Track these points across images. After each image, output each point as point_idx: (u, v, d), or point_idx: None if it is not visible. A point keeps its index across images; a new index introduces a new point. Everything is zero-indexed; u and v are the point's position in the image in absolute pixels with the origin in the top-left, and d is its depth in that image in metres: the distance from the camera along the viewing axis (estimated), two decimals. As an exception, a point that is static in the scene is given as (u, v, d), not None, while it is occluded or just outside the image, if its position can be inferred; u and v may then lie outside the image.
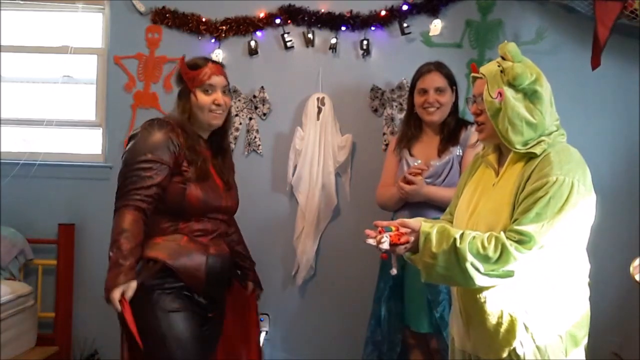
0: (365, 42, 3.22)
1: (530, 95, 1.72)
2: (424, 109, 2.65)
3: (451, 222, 1.97)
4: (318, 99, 3.23)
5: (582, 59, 2.99)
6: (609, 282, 2.94)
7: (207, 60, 2.20)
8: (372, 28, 3.23)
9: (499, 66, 1.74)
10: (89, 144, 3.49)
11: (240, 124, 3.32)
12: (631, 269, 2.44)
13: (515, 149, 1.72)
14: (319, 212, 3.23)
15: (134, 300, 1.92)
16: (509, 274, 1.63)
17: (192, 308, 2.07)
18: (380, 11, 3.21)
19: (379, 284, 2.76)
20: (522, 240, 1.60)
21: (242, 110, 3.31)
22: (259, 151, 3.32)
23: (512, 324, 1.69)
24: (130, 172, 2.01)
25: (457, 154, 2.61)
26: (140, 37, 3.33)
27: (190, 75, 2.14)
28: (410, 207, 2.63)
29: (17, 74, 3.57)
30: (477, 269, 1.62)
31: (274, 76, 3.31)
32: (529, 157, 1.72)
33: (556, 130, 1.75)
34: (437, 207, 2.50)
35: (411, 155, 2.71)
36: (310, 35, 3.26)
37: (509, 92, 1.70)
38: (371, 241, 1.68)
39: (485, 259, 1.61)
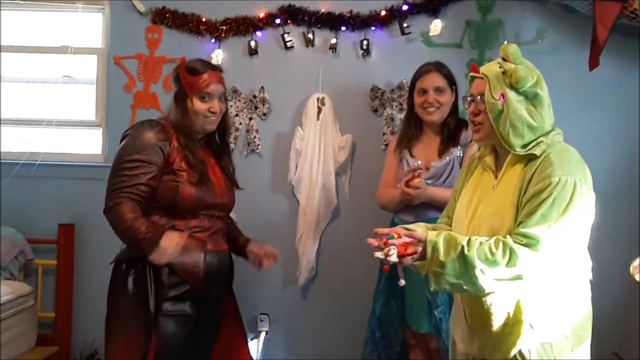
0: (365, 42, 3.22)
1: (532, 99, 1.72)
2: (424, 109, 2.65)
3: (449, 225, 1.96)
4: (318, 99, 3.23)
5: (582, 59, 2.99)
6: (609, 282, 2.93)
7: (207, 66, 2.20)
8: (372, 28, 3.23)
9: (500, 67, 1.73)
10: (89, 144, 3.49)
11: (240, 124, 3.32)
12: (631, 269, 2.44)
13: (515, 151, 1.71)
14: (319, 213, 3.22)
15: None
16: (517, 277, 1.63)
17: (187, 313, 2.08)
18: (380, 11, 3.21)
19: (379, 284, 2.76)
20: (529, 243, 1.60)
21: (242, 110, 3.31)
22: (258, 151, 3.32)
23: (518, 325, 1.69)
24: (119, 172, 2.04)
25: (458, 154, 2.61)
26: (140, 37, 3.33)
27: (189, 80, 2.15)
28: (411, 208, 2.63)
29: (17, 74, 3.57)
30: (486, 275, 1.61)
31: (274, 76, 3.30)
32: (529, 158, 1.72)
33: (552, 130, 1.75)
34: (437, 208, 2.49)
35: (412, 155, 2.71)
36: (310, 35, 3.26)
37: (511, 95, 1.70)
38: (379, 254, 1.64)
39: (494, 264, 1.60)
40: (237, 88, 3.30)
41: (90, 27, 3.48)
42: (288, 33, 3.26)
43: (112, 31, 3.38)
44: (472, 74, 1.82)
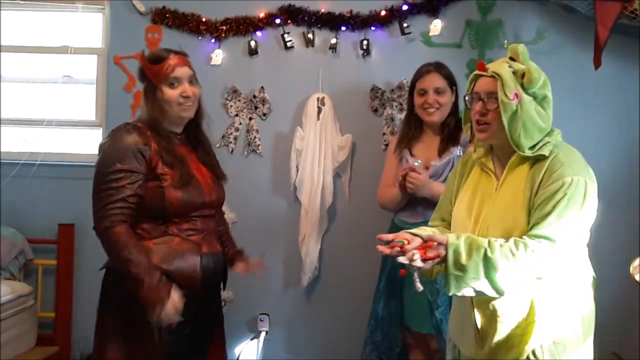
0: (365, 42, 3.22)
1: (541, 100, 1.72)
2: (424, 109, 2.65)
3: (447, 227, 1.93)
4: (318, 99, 3.23)
5: (582, 59, 3.00)
6: (609, 282, 2.93)
7: (169, 51, 2.09)
8: (372, 28, 3.23)
9: (510, 67, 1.71)
10: (89, 144, 3.48)
11: (240, 124, 3.32)
12: (631, 269, 2.45)
13: (524, 152, 1.70)
14: (321, 213, 3.22)
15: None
16: (538, 277, 1.64)
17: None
18: (380, 11, 3.21)
19: (379, 284, 2.76)
20: (548, 243, 1.61)
21: (242, 110, 3.31)
22: (258, 151, 3.32)
23: (531, 326, 1.69)
24: (103, 186, 1.94)
25: (458, 154, 2.61)
26: (140, 37, 3.32)
27: (153, 70, 2.04)
28: (411, 208, 2.64)
29: (17, 74, 3.57)
30: (507, 277, 1.61)
31: (274, 76, 3.30)
32: (535, 159, 1.71)
33: (553, 130, 1.76)
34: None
35: (412, 155, 2.71)
36: (310, 35, 3.26)
37: (524, 95, 1.69)
38: (403, 259, 1.59)
39: (515, 265, 1.60)
40: (237, 88, 3.30)
41: (90, 27, 3.48)
42: (288, 33, 3.26)
43: (112, 31, 3.38)
44: (478, 72, 1.77)
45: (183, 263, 2.00)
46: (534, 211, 1.66)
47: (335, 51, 3.27)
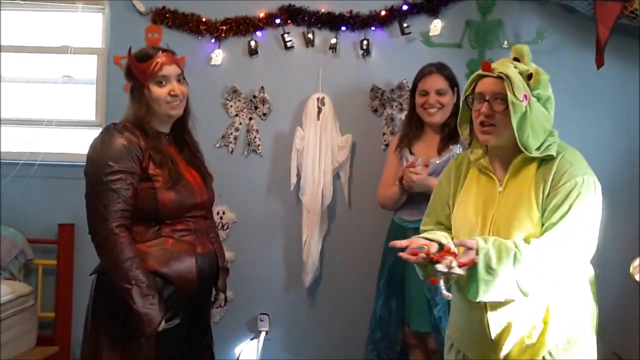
0: (365, 42, 3.22)
1: (545, 101, 1.72)
2: (425, 109, 2.66)
3: (448, 230, 1.89)
4: (318, 99, 3.22)
5: (582, 59, 3.00)
6: (609, 282, 2.93)
7: (157, 49, 2.06)
8: (372, 28, 3.22)
9: (515, 68, 1.70)
10: (89, 144, 3.47)
11: (240, 124, 3.32)
12: (631, 269, 2.45)
13: (531, 153, 1.69)
14: (323, 213, 3.22)
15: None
16: (563, 277, 1.66)
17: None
18: (380, 11, 3.20)
19: (379, 283, 2.77)
20: (569, 242, 1.63)
21: (242, 110, 3.31)
22: (258, 151, 3.32)
23: (546, 326, 1.70)
24: (100, 188, 1.91)
25: (457, 152, 2.61)
26: (140, 37, 3.32)
27: (141, 68, 2.01)
28: (411, 207, 2.64)
29: (17, 74, 3.57)
30: (535, 278, 1.62)
31: (274, 76, 3.30)
32: (541, 159, 1.71)
33: (552, 130, 1.77)
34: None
35: (411, 154, 2.72)
36: (310, 35, 3.25)
37: (531, 97, 1.68)
38: (442, 267, 1.53)
39: (543, 266, 1.62)
40: (237, 88, 3.30)
41: (90, 27, 3.48)
42: (288, 33, 3.26)
43: (112, 31, 3.38)
44: (482, 72, 1.74)
45: (180, 264, 1.98)
46: (549, 211, 1.66)
47: (335, 51, 3.27)
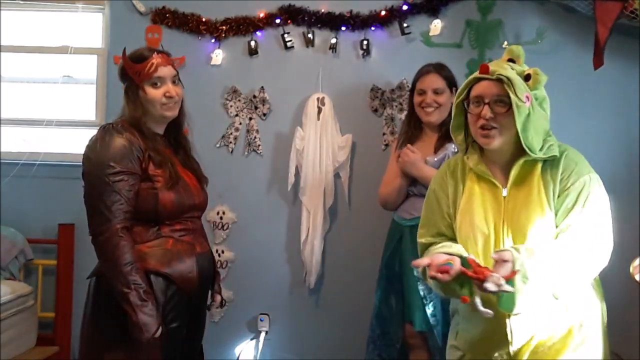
0: (365, 42, 3.22)
1: (542, 101, 1.71)
2: (422, 108, 2.67)
3: (451, 241, 1.82)
4: (318, 99, 3.22)
5: (582, 59, 3.00)
6: (609, 282, 2.92)
7: (152, 50, 2.05)
8: (372, 28, 3.22)
9: (512, 69, 1.68)
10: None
11: (240, 124, 3.32)
12: (631, 269, 2.44)
13: (535, 154, 1.68)
14: (324, 213, 3.21)
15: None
16: (589, 275, 1.69)
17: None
18: (380, 11, 3.20)
19: (380, 283, 2.77)
20: (589, 241, 1.64)
21: (242, 110, 3.31)
22: (258, 151, 3.32)
23: (567, 325, 1.71)
24: (102, 189, 1.89)
25: (453, 150, 2.62)
26: (140, 37, 3.32)
27: (136, 69, 1.99)
28: (411, 206, 2.65)
29: (17, 74, 3.57)
30: (564, 280, 1.62)
31: (274, 76, 3.30)
32: (544, 160, 1.71)
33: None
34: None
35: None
36: (310, 35, 3.25)
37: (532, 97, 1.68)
38: (492, 286, 1.48)
39: (571, 267, 1.62)
40: (237, 88, 3.30)
41: (90, 27, 3.48)
42: (288, 33, 3.26)
43: (112, 31, 3.38)
44: (480, 75, 1.71)
45: (181, 265, 1.98)
46: (563, 212, 1.67)
47: (335, 51, 3.27)
